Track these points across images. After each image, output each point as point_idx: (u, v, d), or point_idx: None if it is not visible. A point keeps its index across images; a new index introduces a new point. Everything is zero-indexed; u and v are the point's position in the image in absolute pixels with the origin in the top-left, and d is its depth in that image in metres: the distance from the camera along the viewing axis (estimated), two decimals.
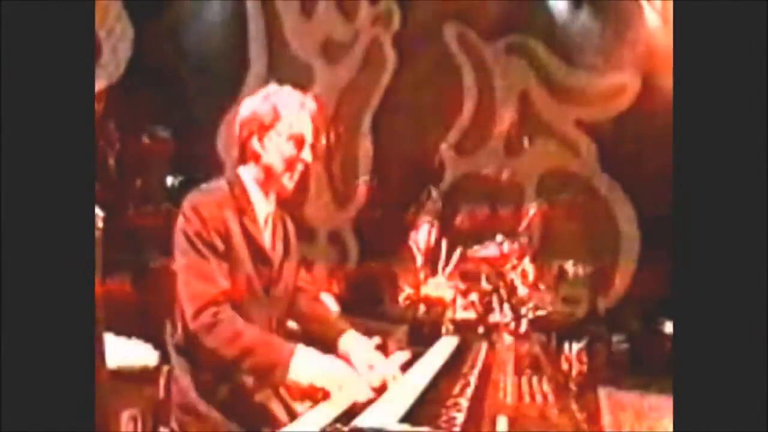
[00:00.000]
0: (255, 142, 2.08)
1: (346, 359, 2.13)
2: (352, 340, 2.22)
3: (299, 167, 2.11)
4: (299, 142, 2.09)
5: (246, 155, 2.12)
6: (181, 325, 2.03)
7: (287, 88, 2.16)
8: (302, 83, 2.44)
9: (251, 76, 6.74)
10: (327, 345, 2.25)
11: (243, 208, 2.07)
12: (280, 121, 2.07)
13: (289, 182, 2.12)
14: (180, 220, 2.02)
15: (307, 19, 6.97)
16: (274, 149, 2.08)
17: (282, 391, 2.14)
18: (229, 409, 2.02)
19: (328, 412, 1.74)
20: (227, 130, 6.32)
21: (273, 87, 2.17)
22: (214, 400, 2.02)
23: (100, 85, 6.01)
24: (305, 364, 1.89)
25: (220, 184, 2.11)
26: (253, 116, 2.09)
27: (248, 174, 2.12)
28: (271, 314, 2.14)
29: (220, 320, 1.93)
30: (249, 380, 2.05)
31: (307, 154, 2.11)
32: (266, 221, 2.15)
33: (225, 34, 6.73)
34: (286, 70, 6.72)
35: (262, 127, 2.07)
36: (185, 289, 1.98)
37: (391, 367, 2.10)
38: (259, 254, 2.08)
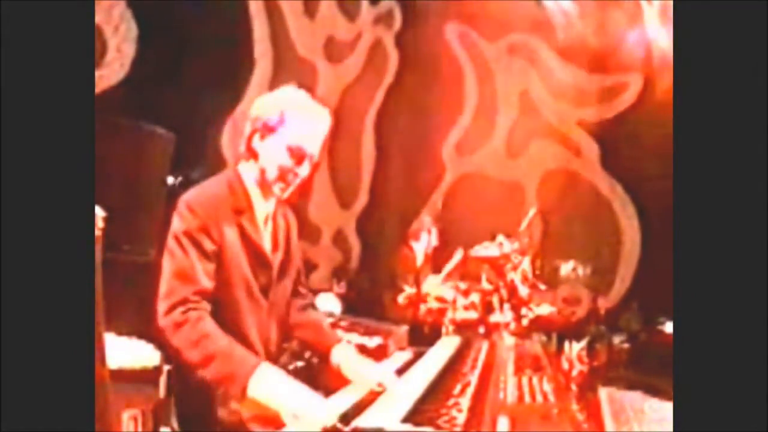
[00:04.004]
0: (257, 141, 2.02)
1: (339, 370, 2.11)
2: (344, 351, 2.18)
3: (294, 180, 2.01)
4: (298, 155, 1.98)
5: (248, 152, 2.04)
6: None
7: (304, 96, 2.06)
8: (306, 83, 2.38)
9: (256, 75, 6.75)
10: (320, 354, 2.24)
11: (242, 208, 2.01)
12: (284, 128, 1.99)
13: (280, 192, 2.02)
14: (174, 218, 1.95)
15: (310, 18, 6.98)
16: (271, 154, 1.99)
17: None
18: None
19: (329, 410, 1.74)
20: (232, 130, 6.33)
21: (290, 90, 2.08)
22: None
23: (104, 83, 6.00)
24: (266, 383, 1.74)
25: (219, 181, 2.05)
26: (260, 115, 2.02)
27: (248, 173, 2.05)
28: (270, 318, 2.08)
29: (187, 320, 1.83)
30: None
31: (304, 169, 2.01)
32: (266, 221, 2.09)
33: (230, 34, 6.74)
34: (290, 69, 6.74)
35: (266, 127, 1.99)
36: (162, 287, 1.90)
37: (386, 374, 2.07)
38: (257, 257, 2.02)
